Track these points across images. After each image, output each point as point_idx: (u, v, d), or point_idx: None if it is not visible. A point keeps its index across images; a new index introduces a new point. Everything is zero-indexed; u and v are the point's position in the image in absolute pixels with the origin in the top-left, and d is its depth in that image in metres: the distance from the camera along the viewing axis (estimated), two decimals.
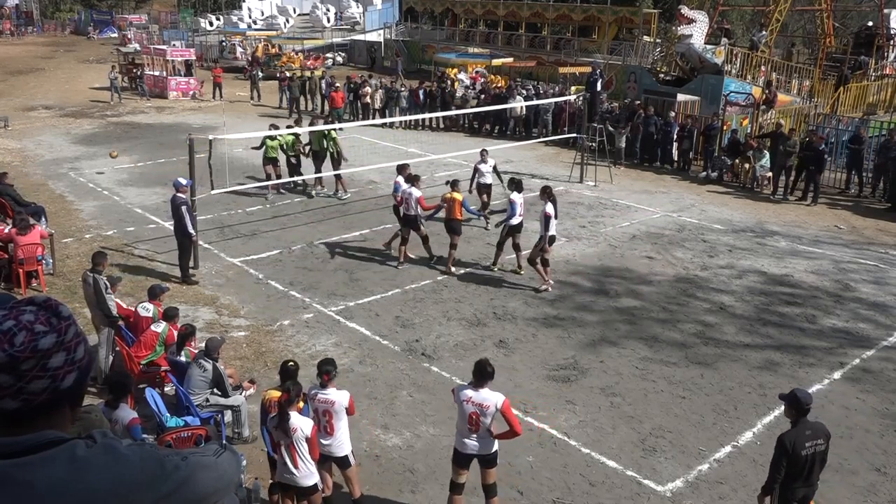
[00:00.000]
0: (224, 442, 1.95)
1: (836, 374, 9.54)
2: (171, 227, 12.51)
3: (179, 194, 11.74)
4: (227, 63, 39.94)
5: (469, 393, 6.19)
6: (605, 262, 13.37)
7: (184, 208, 11.65)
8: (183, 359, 8.20)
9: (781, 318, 11.20)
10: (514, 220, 12.13)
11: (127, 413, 6.42)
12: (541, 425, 8.21)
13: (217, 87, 32.11)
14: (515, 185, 12.32)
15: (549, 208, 11.60)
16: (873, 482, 7.39)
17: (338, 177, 16.89)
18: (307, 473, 6.03)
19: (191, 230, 11.81)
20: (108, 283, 8.96)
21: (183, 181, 11.91)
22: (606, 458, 7.68)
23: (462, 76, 27.54)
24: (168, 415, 7.43)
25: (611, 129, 20.54)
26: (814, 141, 17.51)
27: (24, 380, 1.47)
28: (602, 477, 7.40)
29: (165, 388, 8.42)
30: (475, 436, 6.21)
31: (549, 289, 11.89)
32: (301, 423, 5.93)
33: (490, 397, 6.16)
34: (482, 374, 6.21)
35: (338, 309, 11.19)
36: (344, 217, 15.66)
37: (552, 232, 11.68)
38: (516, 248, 12.49)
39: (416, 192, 12.43)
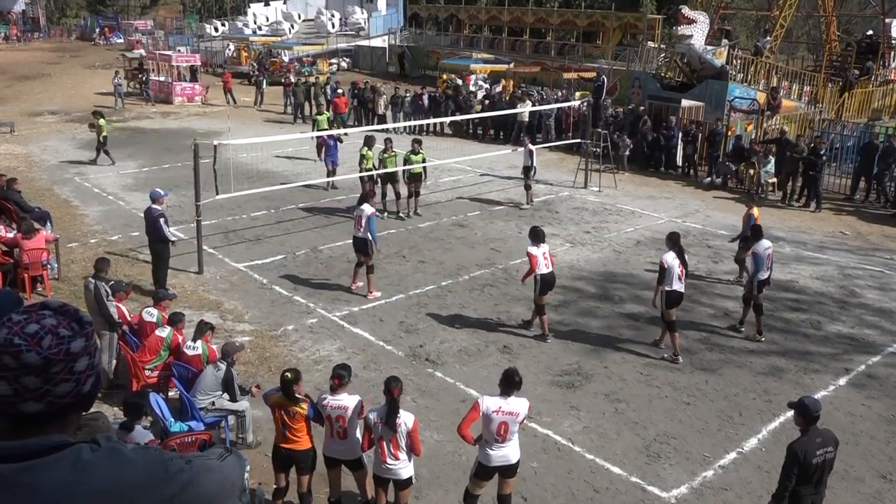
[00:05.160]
0: (228, 446, 1.94)
1: (842, 381, 9.51)
2: (173, 235, 12.22)
3: (155, 206, 11.38)
4: (231, 68, 40.04)
5: (498, 402, 6.19)
6: (610, 268, 13.36)
7: (161, 220, 11.31)
8: (199, 351, 8.23)
9: (786, 324, 11.16)
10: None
11: (142, 435, 6.40)
12: (545, 431, 8.19)
13: (228, 93, 32.29)
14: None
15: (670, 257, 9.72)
16: (879, 489, 7.36)
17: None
18: (406, 465, 6.25)
19: (170, 237, 11.50)
20: (108, 290, 8.97)
21: (161, 191, 11.64)
22: (611, 465, 7.66)
23: (460, 82, 27.66)
24: (172, 420, 7.42)
25: (616, 134, 20.49)
26: (816, 146, 17.52)
27: (51, 382, 1.49)
28: (606, 483, 7.38)
29: (170, 393, 8.43)
30: (501, 446, 6.20)
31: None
32: (405, 418, 6.17)
33: (519, 405, 6.22)
34: (510, 384, 6.22)
35: (342, 314, 11.19)
36: (349, 222, 15.63)
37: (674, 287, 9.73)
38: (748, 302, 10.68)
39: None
